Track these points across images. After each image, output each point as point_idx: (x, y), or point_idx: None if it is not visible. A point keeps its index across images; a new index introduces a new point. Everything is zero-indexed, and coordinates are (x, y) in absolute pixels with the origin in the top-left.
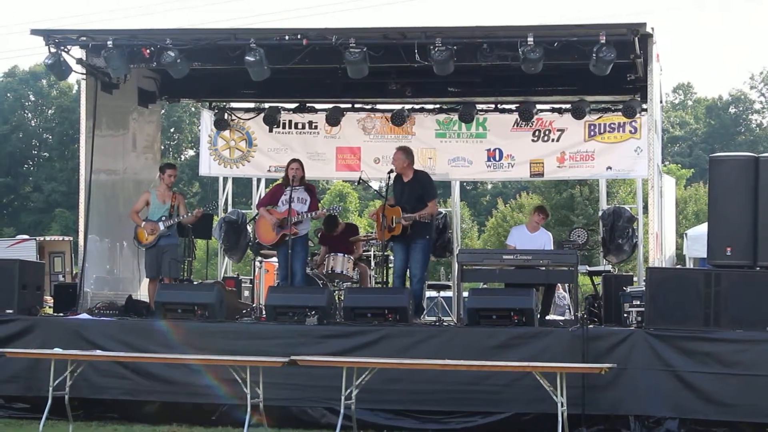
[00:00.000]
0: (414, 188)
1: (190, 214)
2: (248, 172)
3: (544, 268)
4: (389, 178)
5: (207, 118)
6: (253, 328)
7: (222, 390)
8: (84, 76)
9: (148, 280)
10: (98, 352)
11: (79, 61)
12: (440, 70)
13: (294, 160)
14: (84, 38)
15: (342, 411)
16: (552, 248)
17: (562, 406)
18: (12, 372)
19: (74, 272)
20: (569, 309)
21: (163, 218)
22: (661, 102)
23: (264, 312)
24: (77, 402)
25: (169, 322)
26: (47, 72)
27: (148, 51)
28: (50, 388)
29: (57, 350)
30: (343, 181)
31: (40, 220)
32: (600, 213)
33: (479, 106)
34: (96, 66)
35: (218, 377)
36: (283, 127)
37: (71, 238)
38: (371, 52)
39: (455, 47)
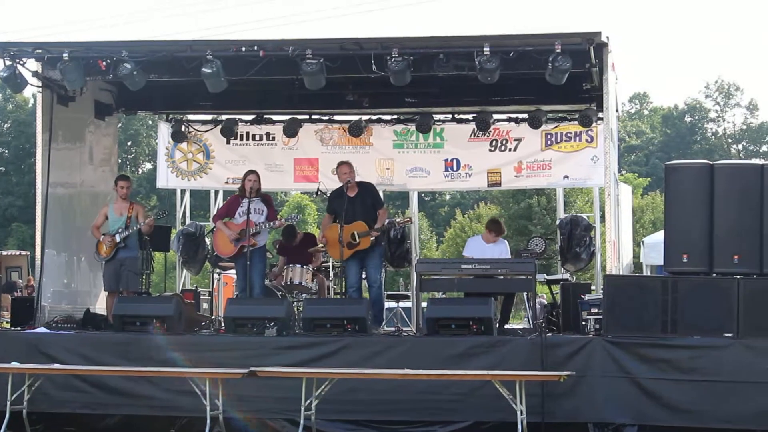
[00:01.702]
0: (365, 199)
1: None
2: (206, 184)
3: (502, 277)
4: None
5: (164, 130)
6: (212, 340)
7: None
8: (40, 89)
9: (106, 293)
10: (56, 366)
11: (35, 73)
12: (397, 80)
13: (250, 172)
14: (39, 51)
15: (302, 422)
16: (509, 256)
17: (521, 414)
18: None
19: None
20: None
21: (120, 230)
22: (617, 111)
23: (223, 324)
24: (35, 416)
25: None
26: (2, 85)
27: (104, 63)
28: (8, 403)
29: (14, 364)
30: (302, 193)
31: None
32: (557, 222)
33: (436, 117)
34: (52, 78)
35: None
36: (241, 139)
37: (28, 253)
38: (328, 63)
39: (412, 58)
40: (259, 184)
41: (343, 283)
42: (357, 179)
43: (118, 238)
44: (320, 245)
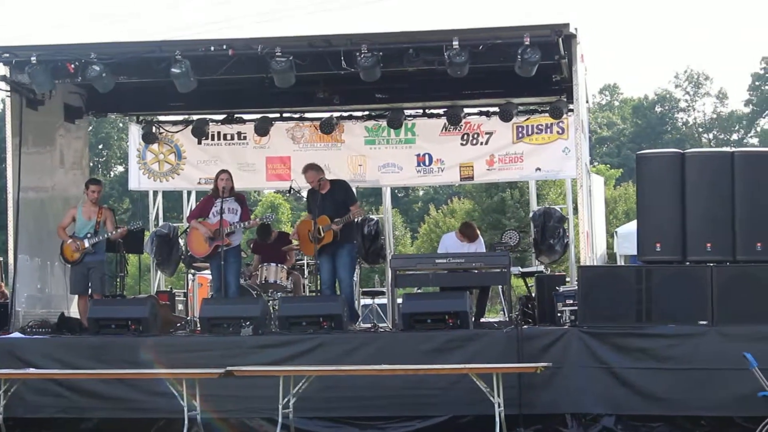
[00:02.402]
0: (336, 196)
1: (116, 230)
2: (178, 185)
3: (477, 271)
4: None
5: (135, 131)
6: (188, 341)
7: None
8: (8, 94)
9: (77, 296)
10: (32, 371)
11: (3, 78)
12: (367, 76)
13: (223, 171)
14: (7, 54)
15: (280, 420)
16: (484, 249)
17: (499, 406)
18: None
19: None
20: None
21: (89, 235)
22: (587, 102)
23: (198, 324)
24: (12, 422)
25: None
26: None
27: (72, 66)
28: None
29: None
30: (275, 192)
31: None
32: (531, 214)
33: (407, 112)
34: (20, 82)
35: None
36: (212, 139)
37: (1, 259)
38: (297, 61)
39: (381, 53)
40: (232, 183)
41: (318, 281)
42: (330, 177)
43: (87, 244)
44: (294, 242)
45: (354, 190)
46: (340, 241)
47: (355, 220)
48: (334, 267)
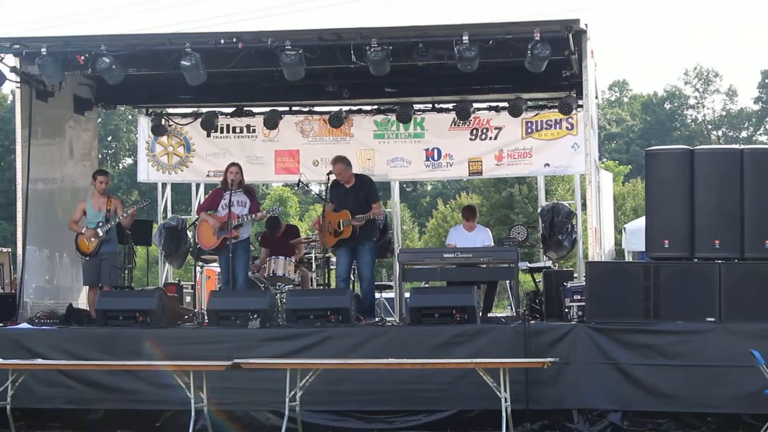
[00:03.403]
0: (358, 192)
1: (127, 212)
2: (187, 177)
3: (485, 266)
4: (328, 179)
5: (144, 124)
6: (195, 333)
7: None
8: (18, 85)
9: (87, 288)
10: (39, 361)
11: (13, 69)
12: (376, 70)
13: (233, 164)
14: (17, 46)
15: (286, 413)
16: (492, 243)
17: (505, 401)
18: None
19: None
20: None
21: (100, 224)
22: (596, 98)
23: (206, 317)
24: (19, 412)
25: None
26: None
27: (82, 57)
28: None
29: None
30: (283, 185)
31: None
32: (539, 210)
33: (417, 106)
34: (30, 74)
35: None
36: (221, 132)
37: (9, 250)
38: (307, 54)
39: (391, 47)
40: (242, 176)
41: (326, 275)
42: (355, 171)
43: (101, 232)
44: (307, 234)
45: None
46: (360, 238)
47: (377, 219)
48: (353, 262)
